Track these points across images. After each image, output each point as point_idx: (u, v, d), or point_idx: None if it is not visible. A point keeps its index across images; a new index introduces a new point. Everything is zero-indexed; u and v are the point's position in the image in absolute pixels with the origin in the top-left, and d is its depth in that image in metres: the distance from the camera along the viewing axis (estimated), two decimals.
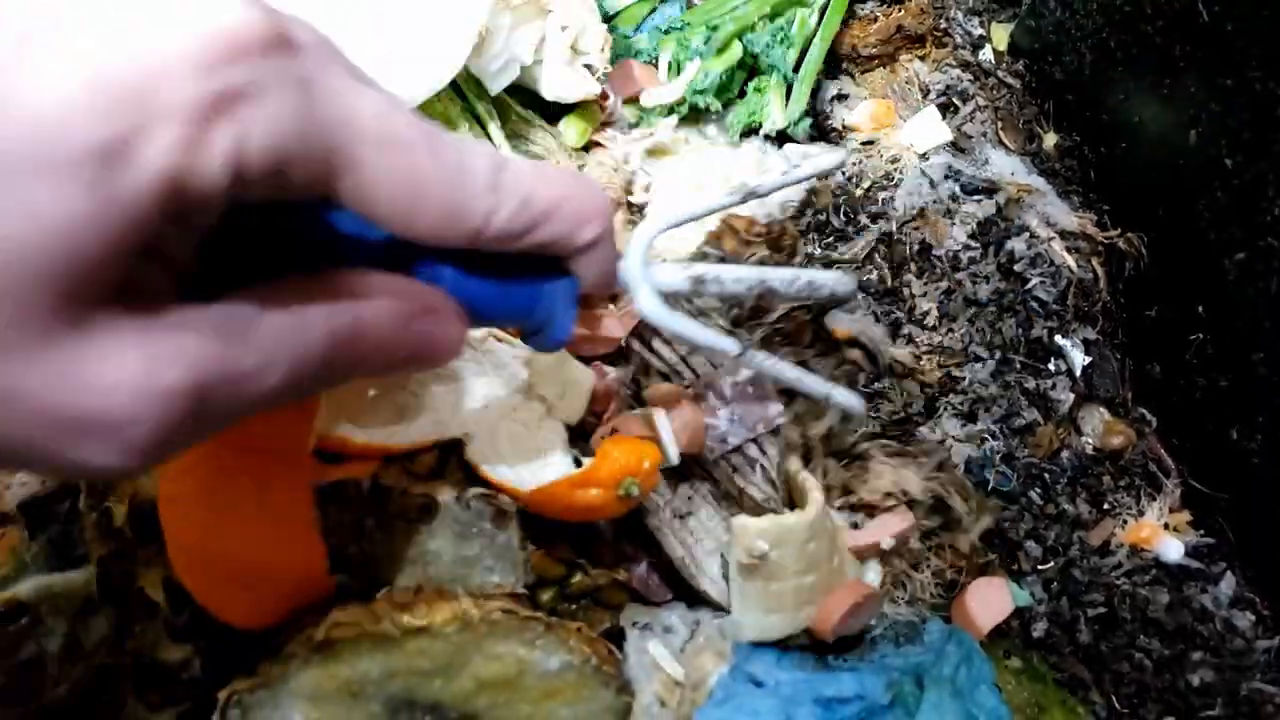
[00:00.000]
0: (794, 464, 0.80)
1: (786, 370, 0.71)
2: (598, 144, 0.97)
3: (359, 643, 0.60)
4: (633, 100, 0.99)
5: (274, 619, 0.61)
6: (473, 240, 0.44)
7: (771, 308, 0.82)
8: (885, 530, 0.83)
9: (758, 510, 0.77)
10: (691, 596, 0.78)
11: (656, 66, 1.00)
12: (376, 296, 0.43)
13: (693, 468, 0.78)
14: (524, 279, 0.51)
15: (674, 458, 0.74)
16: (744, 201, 0.72)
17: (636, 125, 0.99)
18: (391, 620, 0.59)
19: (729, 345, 0.66)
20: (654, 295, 0.60)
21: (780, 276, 0.69)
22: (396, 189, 0.40)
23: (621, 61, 0.99)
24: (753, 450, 0.78)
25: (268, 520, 0.58)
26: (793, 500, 0.79)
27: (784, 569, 0.73)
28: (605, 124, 0.98)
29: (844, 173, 1.01)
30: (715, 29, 1.00)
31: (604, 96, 0.95)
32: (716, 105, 0.99)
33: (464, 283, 0.48)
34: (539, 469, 0.69)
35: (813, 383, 0.73)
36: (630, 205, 0.94)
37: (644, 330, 0.79)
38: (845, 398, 0.75)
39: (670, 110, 0.98)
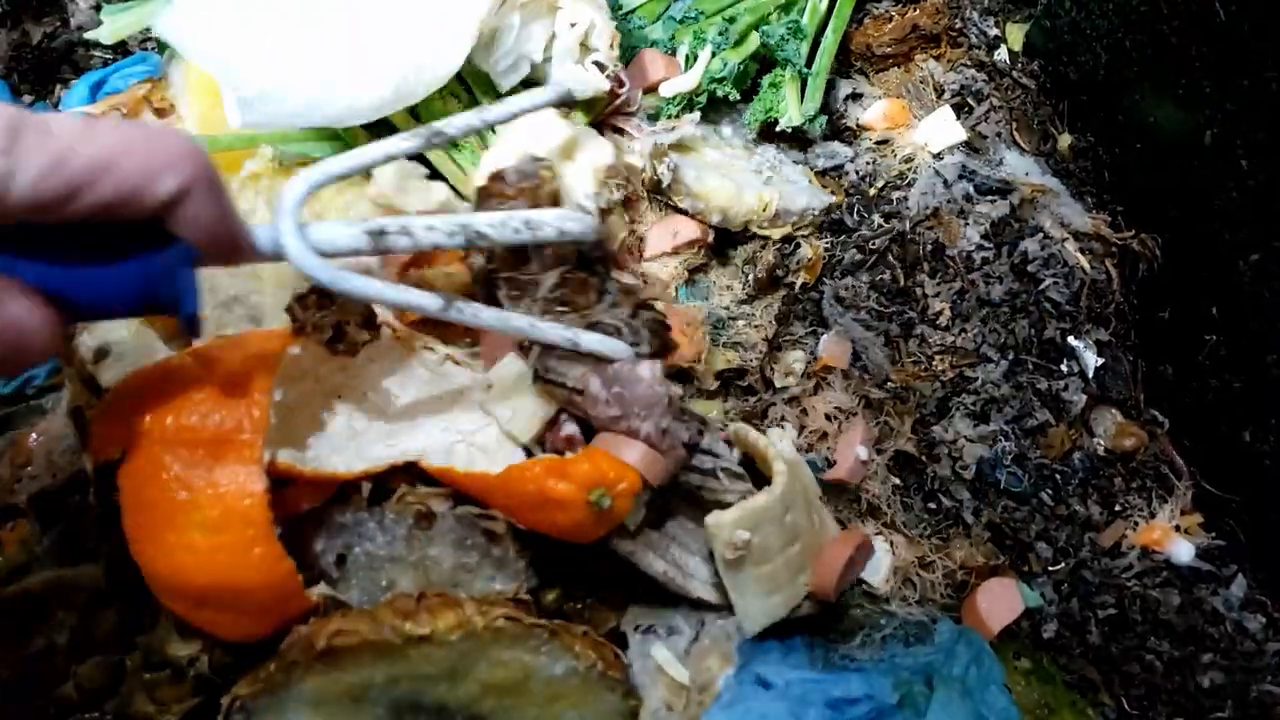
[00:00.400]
0: (750, 434, 0.77)
1: (513, 320, 0.66)
2: (622, 130, 0.97)
3: (360, 651, 0.60)
4: (652, 90, 0.99)
5: (265, 631, 0.61)
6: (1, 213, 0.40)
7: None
8: (849, 449, 0.83)
9: None
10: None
11: (658, 50, 1.00)
12: None
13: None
14: (127, 258, 0.46)
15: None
16: (429, 147, 0.67)
17: (656, 116, 0.98)
18: (393, 628, 0.60)
19: (427, 301, 0.61)
20: (311, 254, 0.55)
21: (488, 220, 0.64)
22: None
23: (641, 50, 0.99)
24: (706, 461, 0.75)
25: (226, 543, 0.58)
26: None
27: (769, 549, 0.71)
28: (622, 112, 0.98)
29: (858, 172, 1.01)
30: (731, 20, 1.00)
31: (617, 87, 0.95)
32: (735, 94, 0.99)
33: (49, 272, 0.44)
34: None
35: (549, 332, 0.67)
36: (659, 196, 0.93)
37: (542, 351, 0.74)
38: (596, 343, 0.69)
39: (689, 100, 0.98)
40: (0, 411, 0.78)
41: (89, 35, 1.01)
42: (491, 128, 0.86)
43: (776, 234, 0.95)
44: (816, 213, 0.97)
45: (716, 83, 0.98)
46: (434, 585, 0.64)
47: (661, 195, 0.94)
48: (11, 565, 0.67)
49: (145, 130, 0.44)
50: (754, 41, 1.00)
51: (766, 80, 1.02)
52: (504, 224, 0.64)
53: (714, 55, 0.99)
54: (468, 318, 0.63)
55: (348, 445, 0.65)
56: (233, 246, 0.51)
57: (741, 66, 0.99)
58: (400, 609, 0.60)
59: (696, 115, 0.97)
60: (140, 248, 0.46)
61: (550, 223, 0.66)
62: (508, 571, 0.66)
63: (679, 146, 0.95)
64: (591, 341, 0.68)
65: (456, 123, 0.68)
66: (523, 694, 0.64)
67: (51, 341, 0.44)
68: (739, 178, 0.96)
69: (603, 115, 0.96)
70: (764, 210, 0.95)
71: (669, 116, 0.97)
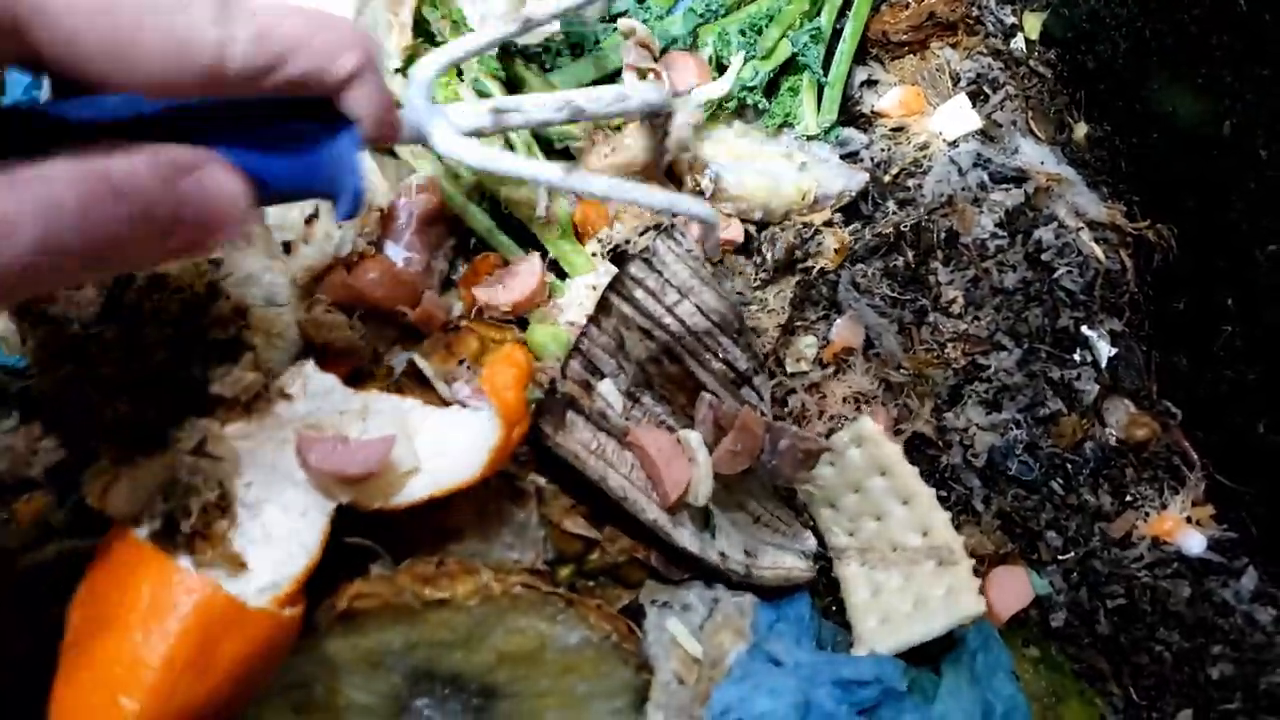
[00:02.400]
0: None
1: (623, 187, 0.67)
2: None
3: (381, 614, 0.60)
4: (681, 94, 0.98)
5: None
6: (213, 84, 0.41)
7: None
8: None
9: None
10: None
11: (694, 53, 1.00)
12: (128, 155, 0.39)
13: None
14: (303, 142, 0.48)
15: (702, 498, 0.74)
16: (526, 30, 0.68)
17: None
18: (413, 592, 0.60)
19: (551, 171, 0.63)
20: (452, 132, 0.58)
21: (587, 95, 0.67)
22: (100, 28, 0.37)
23: (673, 53, 0.99)
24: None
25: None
26: None
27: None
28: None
29: (873, 158, 1.01)
30: (759, 30, 1.00)
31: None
32: (765, 102, 0.99)
33: (245, 153, 0.45)
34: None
35: (656, 197, 0.69)
36: (701, 195, 0.94)
37: (622, 283, 0.78)
38: (692, 206, 0.71)
39: (719, 105, 0.98)
40: (15, 385, 0.78)
41: None
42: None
43: (818, 219, 0.96)
44: (854, 193, 0.97)
45: (748, 90, 0.98)
46: (452, 554, 0.64)
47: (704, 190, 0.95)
48: (28, 538, 0.67)
49: (327, 14, 0.46)
50: (785, 50, 1.00)
51: (785, 84, 1.02)
52: (600, 98, 0.68)
53: (745, 63, 0.99)
54: (583, 184, 0.65)
55: (398, 487, 0.64)
56: (392, 127, 0.53)
57: (771, 74, 1.00)
58: (420, 574, 0.60)
59: (736, 127, 0.99)
60: (318, 131, 0.48)
61: (639, 96, 0.70)
62: (526, 539, 0.66)
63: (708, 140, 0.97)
64: (684, 204, 0.71)
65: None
66: (537, 664, 0.63)
67: (247, 215, 0.45)
68: (774, 169, 0.96)
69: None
70: (803, 199, 0.95)
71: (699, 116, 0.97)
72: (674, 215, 0.76)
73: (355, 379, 0.73)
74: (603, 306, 0.77)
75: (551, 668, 0.64)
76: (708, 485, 0.72)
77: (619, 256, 0.87)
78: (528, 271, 0.86)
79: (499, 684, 0.63)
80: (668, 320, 0.77)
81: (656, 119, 0.82)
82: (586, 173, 0.65)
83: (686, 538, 0.74)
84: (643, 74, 0.96)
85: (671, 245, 0.79)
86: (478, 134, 0.62)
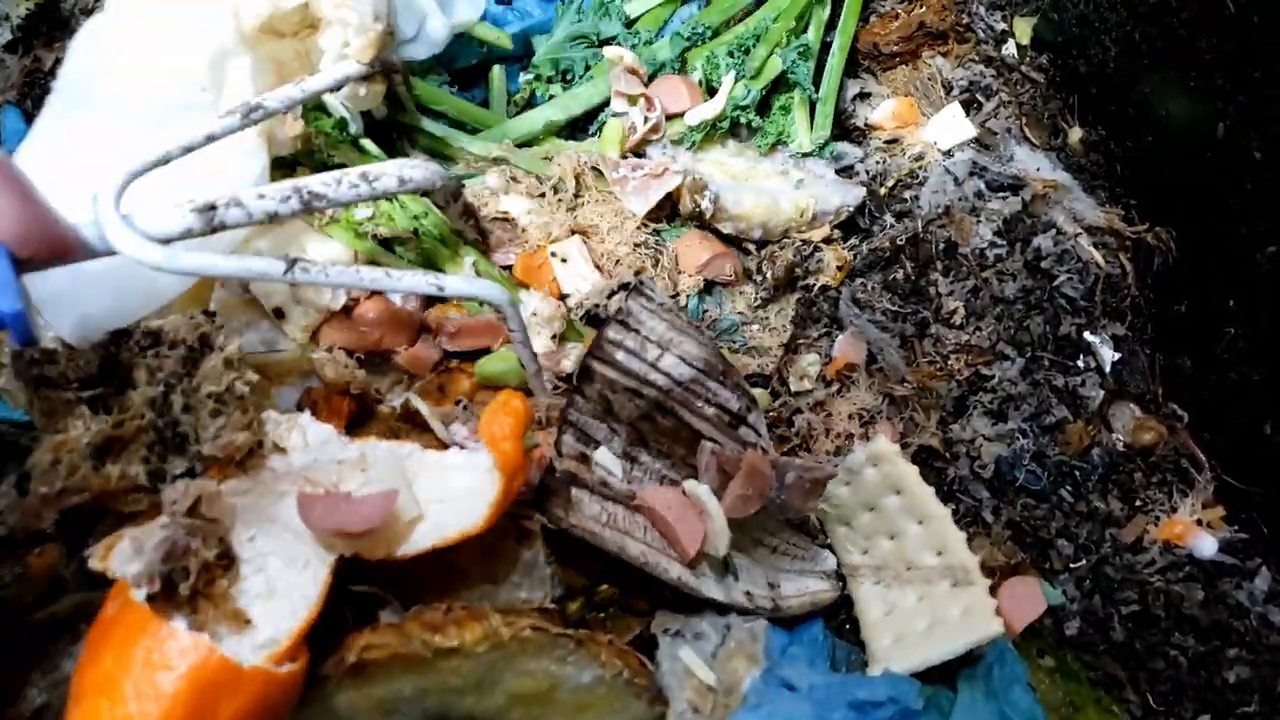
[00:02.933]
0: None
1: (357, 276, 0.65)
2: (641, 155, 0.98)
3: (390, 664, 0.60)
4: (674, 116, 0.99)
5: None
6: None
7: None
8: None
9: None
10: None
11: (685, 76, 1.00)
12: None
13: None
14: None
15: (722, 549, 0.73)
16: (251, 121, 0.65)
17: (679, 141, 0.99)
18: (422, 641, 0.60)
19: (269, 267, 0.60)
20: (141, 238, 0.54)
21: (322, 180, 0.63)
22: None
23: (665, 77, 0.99)
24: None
25: None
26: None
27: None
28: (647, 140, 0.98)
29: (868, 171, 1.01)
30: (746, 50, 1.00)
31: (648, 111, 0.96)
32: (758, 121, 1.00)
33: None
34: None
35: (402, 282, 0.67)
36: (701, 216, 0.94)
37: (601, 348, 0.77)
38: (463, 286, 0.69)
39: (712, 126, 0.98)
40: (26, 437, 0.78)
41: None
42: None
43: (817, 236, 0.96)
44: (851, 208, 0.98)
45: (741, 110, 0.98)
46: (460, 597, 0.64)
47: (704, 225, 0.95)
48: (40, 590, 0.67)
49: None
50: (775, 68, 1.00)
51: (776, 103, 1.02)
52: (339, 181, 0.63)
53: (736, 82, 0.99)
54: (316, 277, 0.62)
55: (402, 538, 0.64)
56: (50, 242, 0.51)
57: (763, 92, 1.00)
58: (428, 622, 0.60)
59: (732, 146, 1.01)
60: None
61: (390, 173, 0.65)
62: (535, 578, 0.66)
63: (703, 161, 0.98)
64: (456, 285, 0.69)
65: (277, 95, 0.67)
66: (550, 703, 0.64)
67: None
68: (771, 187, 0.97)
69: (635, 145, 0.98)
70: (801, 216, 0.96)
71: (692, 143, 0.98)
72: (441, 294, 0.72)
73: (359, 421, 0.74)
74: (585, 374, 0.76)
75: (565, 707, 0.64)
76: (725, 535, 0.72)
77: (595, 320, 0.87)
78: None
79: None
80: (653, 376, 0.77)
81: (431, 194, 0.77)
82: (314, 264, 0.62)
83: (711, 587, 0.75)
84: (633, 100, 0.96)
85: (644, 302, 0.79)
86: (188, 235, 0.58)
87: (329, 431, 0.64)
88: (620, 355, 0.76)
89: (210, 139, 0.64)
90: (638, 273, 0.87)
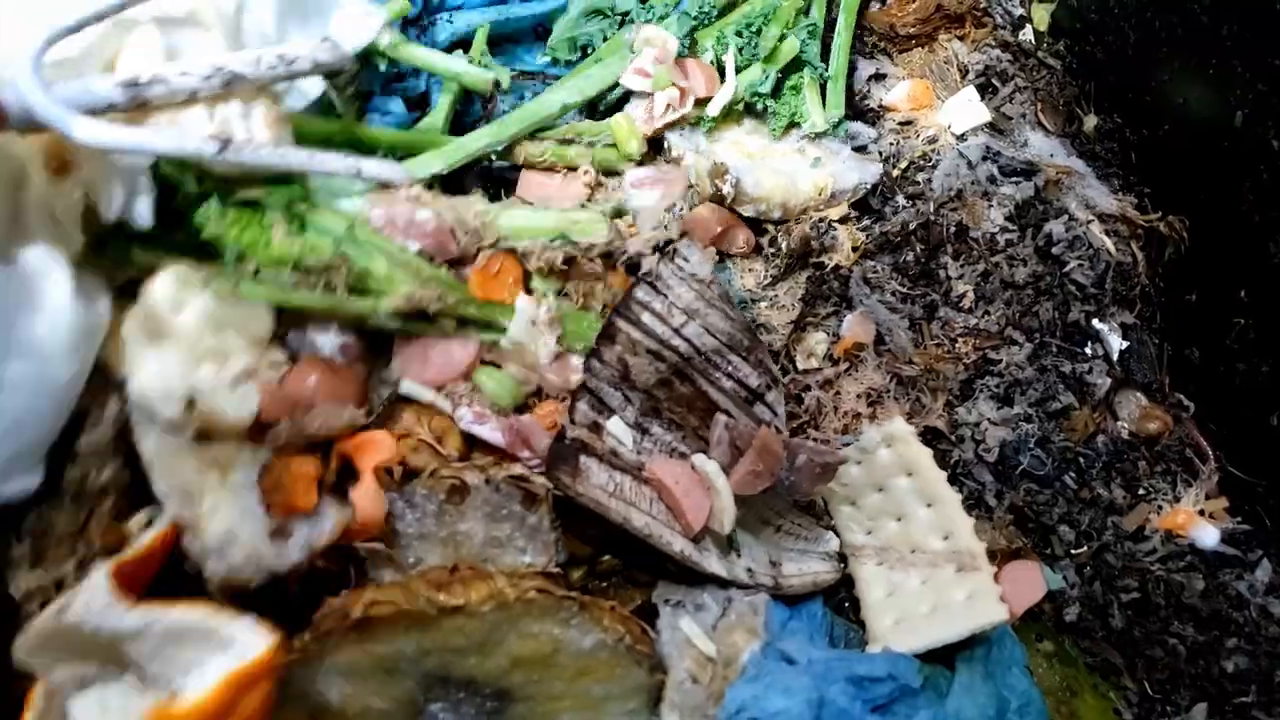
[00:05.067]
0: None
1: (290, 155, 0.64)
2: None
3: (395, 621, 0.60)
4: (701, 102, 0.97)
5: None
6: None
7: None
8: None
9: None
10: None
11: (698, 59, 0.99)
12: None
13: None
14: None
15: (727, 526, 0.73)
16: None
17: (697, 124, 0.98)
18: (428, 599, 0.60)
19: (202, 145, 0.58)
20: (59, 104, 0.51)
21: (243, 60, 0.62)
22: None
23: (683, 60, 0.98)
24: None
25: None
26: None
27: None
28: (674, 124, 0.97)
29: (881, 153, 1.01)
30: (757, 31, 0.99)
31: (677, 102, 0.95)
32: (774, 104, 0.99)
33: None
34: None
35: (330, 161, 0.66)
36: (722, 200, 0.94)
37: (629, 307, 0.76)
38: (378, 169, 0.70)
39: (729, 109, 0.98)
40: None
41: None
42: None
43: (835, 214, 0.95)
44: (869, 185, 0.97)
45: (758, 95, 0.98)
46: (464, 560, 0.64)
47: (725, 207, 0.95)
48: None
49: None
50: (792, 49, 0.99)
51: (787, 83, 1.01)
52: (259, 61, 0.62)
53: (749, 64, 0.98)
54: (247, 157, 0.61)
55: None
56: None
57: (779, 75, 0.99)
58: (434, 580, 0.60)
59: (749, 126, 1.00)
60: None
61: (305, 55, 0.65)
62: (539, 543, 0.66)
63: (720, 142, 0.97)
64: (371, 168, 0.69)
65: (258, 153, 0.63)
66: (551, 667, 0.64)
67: None
68: (788, 166, 0.96)
69: (655, 131, 0.96)
70: (819, 195, 0.95)
71: (710, 125, 0.97)
72: (359, 177, 0.71)
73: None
74: (607, 334, 0.76)
75: (566, 671, 0.64)
76: (731, 512, 0.72)
77: (633, 267, 0.86)
78: (457, 347, 0.79)
79: (513, 687, 0.63)
80: (676, 341, 0.77)
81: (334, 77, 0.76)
82: (245, 145, 0.61)
83: (714, 562, 0.75)
84: (660, 84, 0.95)
85: (674, 269, 0.78)
86: (109, 110, 0.55)
87: (108, 597, 0.59)
88: (646, 317, 0.76)
89: (122, 6, 0.59)
90: (682, 235, 0.86)
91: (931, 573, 0.81)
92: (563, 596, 0.62)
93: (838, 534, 0.86)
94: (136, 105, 0.58)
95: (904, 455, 0.82)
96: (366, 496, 0.65)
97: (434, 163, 0.87)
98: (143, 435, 0.61)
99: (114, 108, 0.56)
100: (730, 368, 0.78)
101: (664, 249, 0.82)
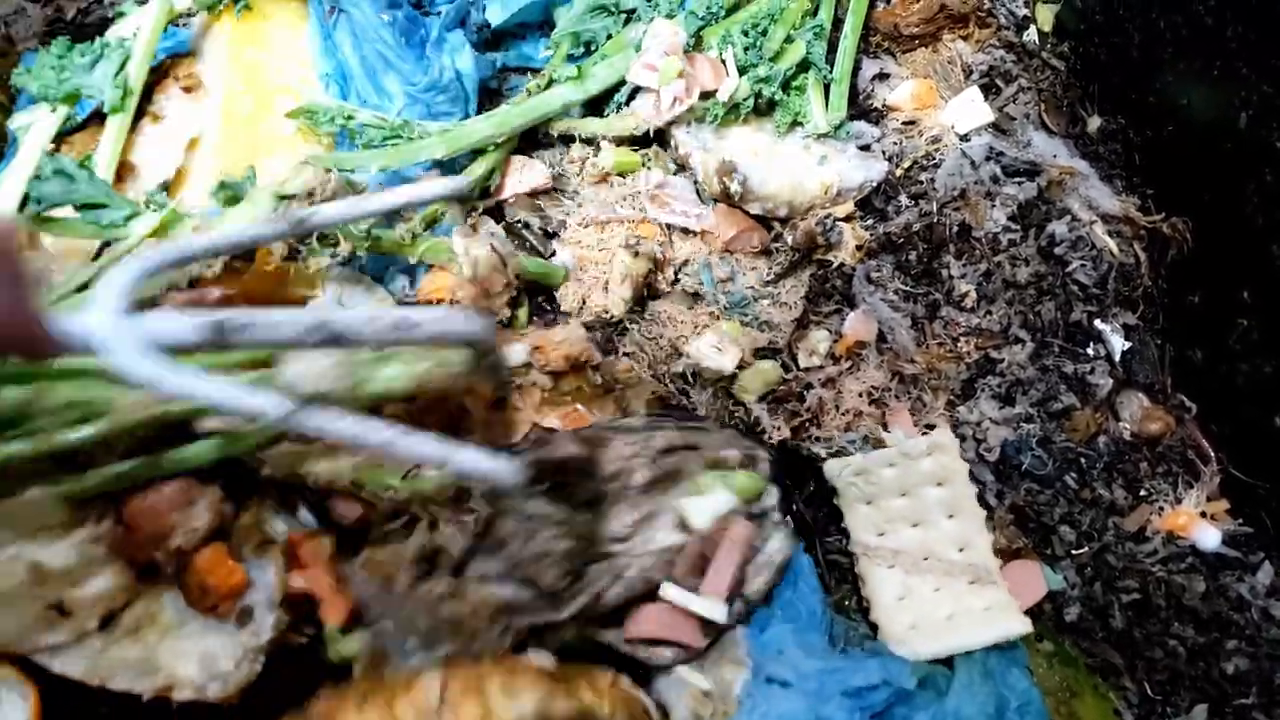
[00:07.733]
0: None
1: (374, 431, 0.53)
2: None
3: None
4: (707, 95, 0.98)
5: None
6: None
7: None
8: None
9: None
10: None
11: (699, 51, 0.99)
12: None
13: None
14: None
15: (722, 615, 0.73)
16: (291, 234, 0.57)
17: (702, 119, 0.98)
18: None
19: (271, 405, 0.51)
20: (137, 351, 0.46)
21: (349, 319, 0.54)
22: None
23: (689, 55, 0.98)
24: None
25: None
26: None
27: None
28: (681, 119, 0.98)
29: (884, 152, 1.01)
30: (763, 31, 0.99)
31: (684, 95, 0.96)
32: (781, 96, 0.99)
33: None
34: None
35: (418, 445, 0.55)
36: (730, 198, 0.94)
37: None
38: (472, 461, 0.57)
39: (736, 105, 0.98)
40: None
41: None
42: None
43: (840, 212, 0.95)
44: (875, 183, 0.97)
45: (763, 82, 0.98)
46: None
47: (734, 205, 0.95)
48: None
49: None
50: (799, 52, 0.99)
51: (792, 84, 1.01)
52: (371, 322, 0.54)
53: (755, 64, 0.98)
54: (320, 425, 0.52)
55: None
56: (25, 336, 0.44)
57: (788, 73, 0.99)
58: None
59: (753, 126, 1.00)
60: None
61: (428, 322, 0.56)
62: None
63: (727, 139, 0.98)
64: (466, 459, 0.57)
65: (325, 212, 0.58)
66: None
67: None
68: (795, 166, 0.97)
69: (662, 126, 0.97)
70: (825, 193, 0.95)
71: (715, 118, 0.97)
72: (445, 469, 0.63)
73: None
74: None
75: None
76: None
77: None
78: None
79: None
80: None
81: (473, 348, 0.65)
82: (320, 411, 0.52)
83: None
84: (667, 78, 0.95)
85: None
86: (195, 349, 0.50)
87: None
88: None
89: (252, 242, 0.56)
90: None
91: (946, 581, 0.82)
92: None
93: (849, 530, 0.86)
94: (218, 350, 0.52)
95: (944, 465, 0.84)
96: None
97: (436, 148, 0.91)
98: None
99: (199, 348, 0.51)
100: None
101: None
